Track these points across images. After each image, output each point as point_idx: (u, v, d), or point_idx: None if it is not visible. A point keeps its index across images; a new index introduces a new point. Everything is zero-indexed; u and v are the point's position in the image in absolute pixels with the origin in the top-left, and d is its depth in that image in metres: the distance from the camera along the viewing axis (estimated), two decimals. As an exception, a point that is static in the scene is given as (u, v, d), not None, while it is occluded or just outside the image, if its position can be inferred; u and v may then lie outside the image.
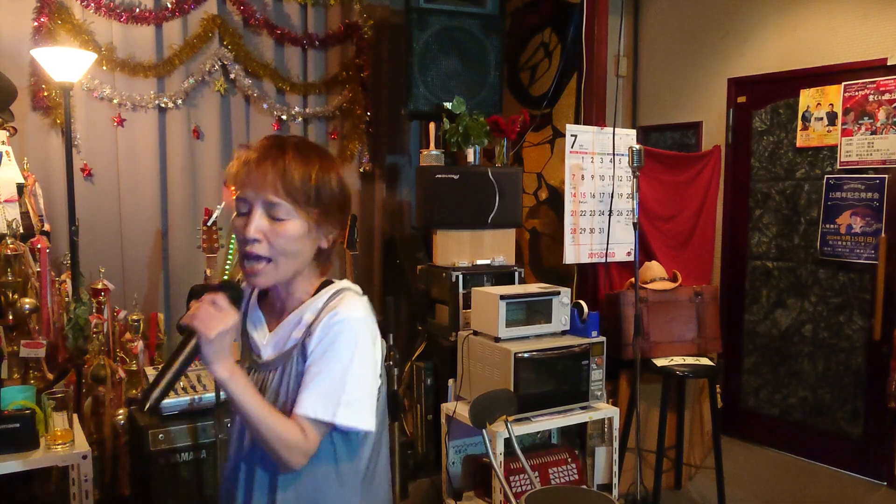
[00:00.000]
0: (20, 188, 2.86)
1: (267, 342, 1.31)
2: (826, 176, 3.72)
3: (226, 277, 3.52)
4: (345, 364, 1.20)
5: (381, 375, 1.31)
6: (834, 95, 3.66)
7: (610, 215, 3.67)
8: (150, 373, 2.81)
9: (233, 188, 1.25)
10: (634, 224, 3.31)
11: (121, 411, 2.91)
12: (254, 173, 1.19)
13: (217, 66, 3.68)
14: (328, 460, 1.25)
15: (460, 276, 3.42)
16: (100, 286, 3.03)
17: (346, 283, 1.33)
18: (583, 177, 3.62)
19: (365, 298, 1.31)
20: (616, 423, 3.13)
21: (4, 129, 2.89)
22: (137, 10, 3.45)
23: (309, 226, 1.23)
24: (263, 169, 1.19)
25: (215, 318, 1.14)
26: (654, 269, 3.64)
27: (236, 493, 1.31)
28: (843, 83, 3.61)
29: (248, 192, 1.20)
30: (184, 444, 2.58)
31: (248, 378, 1.20)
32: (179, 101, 3.60)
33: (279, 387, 1.26)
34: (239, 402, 1.15)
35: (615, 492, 3.16)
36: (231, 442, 1.35)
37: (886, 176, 3.48)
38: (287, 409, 1.21)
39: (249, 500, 1.28)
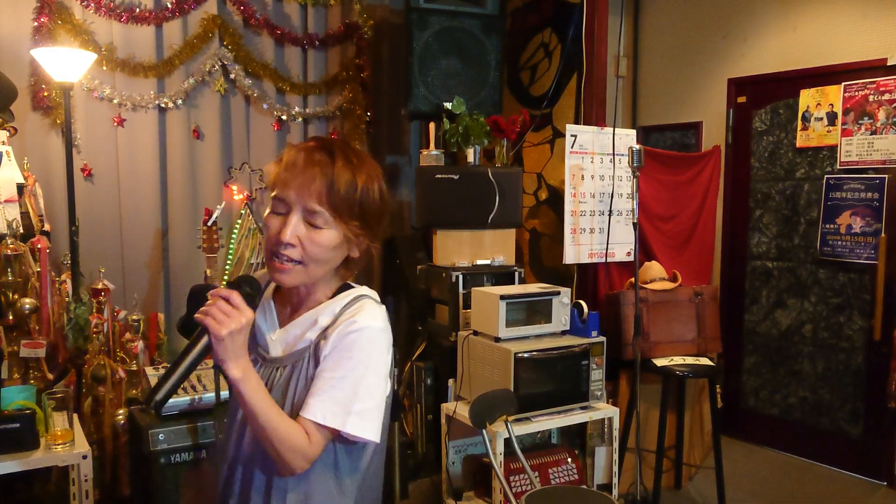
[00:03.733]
0: (20, 188, 2.86)
1: (277, 338, 1.29)
2: (826, 176, 3.72)
3: (226, 277, 3.52)
4: (359, 374, 1.19)
5: (390, 386, 1.29)
6: (834, 95, 3.66)
7: (610, 215, 3.67)
8: (150, 373, 2.81)
9: (274, 186, 1.22)
10: (634, 224, 3.31)
11: (121, 411, 2.91)
12: (300, 177, 1.17)
13: (217, 67, 3.68)
14: (327, 467, 1.24)
15: (460, 276, 3.42)
16: (100, 286, 3.03)
17: (365, 289, 1.31)
18: (583, 177, 3.62)
19: (383, 308, 1.29)
20: (616, 423, 3.13)
21: (4, 129, 2.89)
22: (137, 10, 3.45)
23: (345, 237, 1.22)
24: (311, 174, 1.17)
25: (228, 317, 1.11)
26: (654, 269, 3.64)
27: (232, 495, 1.29)
28: (843, 83, 3.61)
29: (290, 194, 1.18)
30: (184, 444, 2.57)
31: (259, 378, 1.18)
32: (179, 101, 3.60)
33: (287, 387, 1.24)
34: (249, 403, 1.13)
35: (615, 492, 3.16)
36: (229, 442, 1.33)
37: (886, 176, 3.48)
38: (293, 410, 1.20)
39: (246, 501, 1.26)
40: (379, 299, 1.32)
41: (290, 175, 1.18)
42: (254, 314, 1.16)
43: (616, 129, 3.67)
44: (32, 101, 3.24)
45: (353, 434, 1.18)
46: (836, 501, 3.46)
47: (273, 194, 1.21)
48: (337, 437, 1.21)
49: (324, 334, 1.22)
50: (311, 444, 1.17)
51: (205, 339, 1.12)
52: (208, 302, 1.13)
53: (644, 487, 3.25)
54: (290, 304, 1.31)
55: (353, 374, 1.19)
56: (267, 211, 1.23)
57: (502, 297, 2.98)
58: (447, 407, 3.15)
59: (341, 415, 1.17)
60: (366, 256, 1.30)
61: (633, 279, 3.43)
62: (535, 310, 3.09)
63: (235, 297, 1.13)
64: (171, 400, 2.73)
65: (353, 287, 1.31)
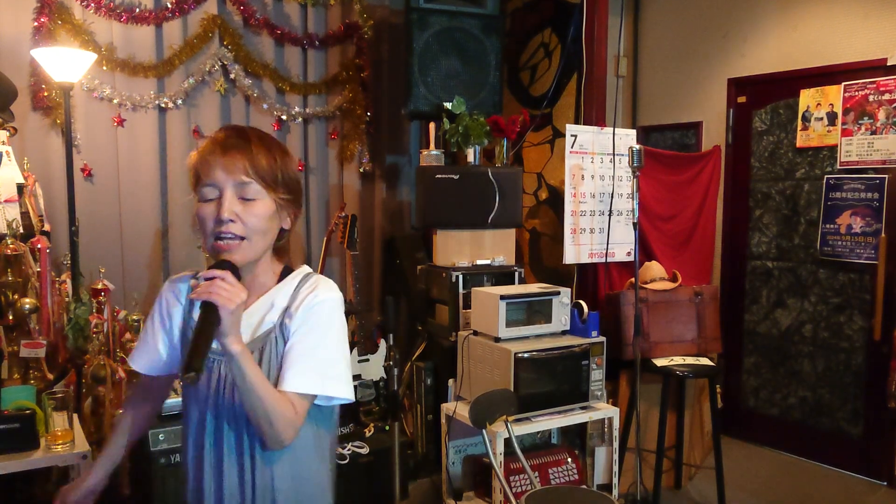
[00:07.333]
0: (20, 188, 2.86)
1: None
2: (826, 176, 3.72)
3: None
4: (329, 341, 1.30)
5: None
6: (834, 95, 3.66)
7: (610, 215, 3.67)
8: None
9: (199, 177, 1.28)
10: (634, 224, 3.31)
11: (121, 411, 2.90)
12: (223, 158, 1.25)
13: (217, 66, 3.68)
14: (309, 434, 1.33)
15: (460, 276, 3.42)
16: (100, 286, 3.03)
17: (306, 267, 1.41)
18: (583, 177, 3.62)
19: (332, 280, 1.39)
20: (616, 423, 3.13)
21: (4, 129, 2.89)
22: (137, 10, 3.45)
23: (276, 206, 1.29)
24: (233, 155, 1.25)
25: (232, 292, 1.16)
26: (654, 269, 3.64)
27: (221, 455, 1.32)
28: (843, 83, 3.61)
29: (218, 175, 1.24)
30: (184, 444, 2.57)
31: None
32: (179, 101, 3.60)
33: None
34: (249, 376, 1.18)
35: (615, 492, 3.16)
36: (192, 435, 1.35)
37: (886, 176, 3.48)
38: None
39: (242, 467, 1.30)
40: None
41: (213, 160, 1.25)
42: (246, 290, 1.21)
43: (616, 129, 3.67)
44: (32, 101, 3.24)
45: (335, 395, 1.29)
46: (836, 501, 3.46)
47: (200, 184, 1.27)
48: (313, 404, 1.30)
49: (287, 313, 1.30)
50: (298, 415, 1.25)
51: (213, 315, 1.16)
52: (203, 283, 1.17)
53: (644, 487, 3.25)
54: None
55: (323, 341, 1.29)
56: (195, 204, 1.28)
57: (502, 297, 2.98)
58: (447, 407, 3.15)
59: (320, 380, 1.27)
60: (293, 229, 1.40)
61: (633, 279, 3.43)
62: (535, 310, 3.09)
63: (230, 276, 1.19)
64: (171, 400, 2.75)
65: (294, 269, 1.39)
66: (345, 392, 1.30)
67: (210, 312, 1.16)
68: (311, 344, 1.28)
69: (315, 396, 1.28)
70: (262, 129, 1.36)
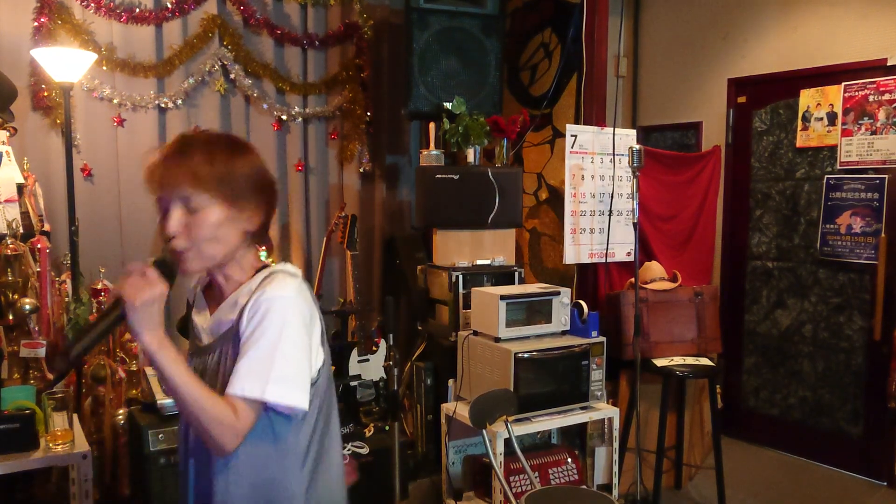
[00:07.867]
0: (20, 188, 2.86)
1: (206, 328, 1.34)
2: (826, 176, 3.72)
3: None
4: (272, 341, 1.21)
5: (324, 357, 1.33)
6: (834, 95, 3.66)
7: (610, 215, 3.67)
8: (150, 373, 2.81)
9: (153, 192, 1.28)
10: (634, 224, 3.31)
11: (121, 411, 2.91)
12: (165, 173, 1.23)
13: (217, 67, 3.68)
14: (267, 441, 1.26)
15: (460, 276, 3.42)
16: (100, 286, 3.03)
17: (282, 265, 1.34)
18: (583, 177, 3.62)
19: (298, 280, 1.31)
20: (616, 423, 3.13)
21: (4, 129, 2.90)
22: (137, 10, 3.45)
23: (228, 211, 1.25)
24: (171, 168, 1.23)
25: (142, 288, 1.15)
26: (654, 269, 3.64)
27: (188, 456, 1.35)
28: (843, 83, 3.61)
29: (163, 192, 1.23)
30: (184, 444, 2.58)
31: (178, 352, 1.19)
32: (179, 101, 3.60)
33: (217, 369, 1.27)
34: (167, 375, 1.15)
35: (615, 492, 3.16)
36: (180, 438, 1.39)
37: (886, 176, 3.48)
38: (224, 390, 1.23)
39: (200, 472, 1.32)
40: (297, 273, 1.34)
41: (157, 173, 1.24)
42: (168, 288, 1.20)
43: (616, 129, 3.67)
44: (32, 101, 3.24)
45: (275, 401, 1.19)
46: (836, 501, 3.46)
47: (155, 200, 1.26)
48: (272, 410, 1.24)
49: (241, 312, 1.25)
50: (239, 419, 1.18)
51: (118, 310, 1.16)
52: (124, 277, 1.18)
53: (644, 487, 3.25)
54: (217, 295, 1.36)
55: (267, 343, 1.21)
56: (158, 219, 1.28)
57: (502, 297, 2.98)
58: (447, 407, 3.15)
59: (260, 384, 1.18)
60: (266, 228, 1.34)
61: (633, 279, 3.43)
62: (535, 310, 3.09)
63: (151, 271, 1.19)
64: (171, 400, 2.74)
65: (269, 266, 1.34)
66: (289, 398, 1.20)
67: (116, 306, 1.16)
68: (252, 345, 1.21)
69: (264, 403, 1.20)
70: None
